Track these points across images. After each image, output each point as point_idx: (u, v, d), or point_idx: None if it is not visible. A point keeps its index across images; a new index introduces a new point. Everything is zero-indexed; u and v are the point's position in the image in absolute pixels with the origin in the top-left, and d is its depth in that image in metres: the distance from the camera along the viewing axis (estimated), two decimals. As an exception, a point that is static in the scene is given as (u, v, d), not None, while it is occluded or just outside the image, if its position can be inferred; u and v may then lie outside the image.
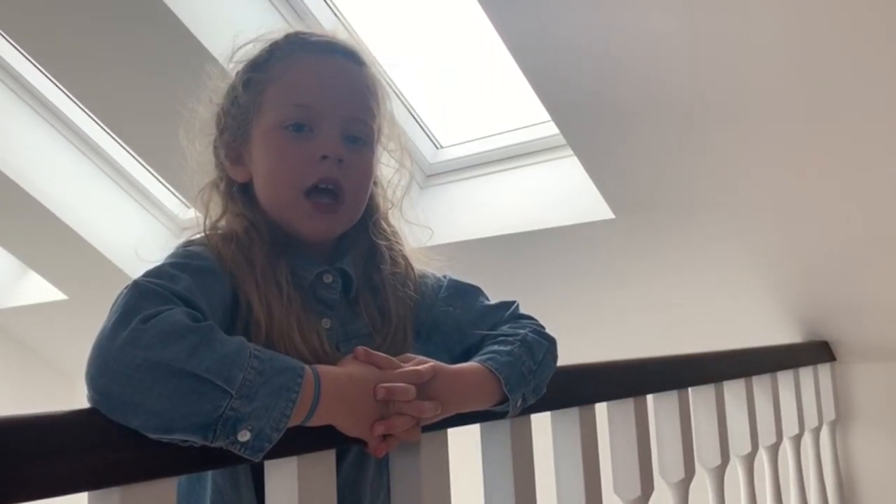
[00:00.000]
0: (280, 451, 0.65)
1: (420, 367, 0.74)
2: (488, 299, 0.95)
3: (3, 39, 2.13)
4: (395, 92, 2.03)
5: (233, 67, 0.90)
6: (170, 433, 0.60)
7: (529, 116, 2.07)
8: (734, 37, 1.34)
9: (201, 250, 0.80)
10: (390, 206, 0.95)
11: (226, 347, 0.63)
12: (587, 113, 1.61)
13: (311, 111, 0.84)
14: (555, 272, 2.05)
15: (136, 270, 0.73)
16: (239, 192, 0.88)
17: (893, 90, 1.34)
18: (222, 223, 0.87)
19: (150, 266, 0.73)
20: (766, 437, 1.62)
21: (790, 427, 1.73)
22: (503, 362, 0.81)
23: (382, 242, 0.91)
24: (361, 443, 0.71)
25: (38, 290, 2.98)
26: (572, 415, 1.01)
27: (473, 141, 2.23)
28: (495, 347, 0.84)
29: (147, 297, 0.65)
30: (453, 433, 0.81)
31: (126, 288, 0.66)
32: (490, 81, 2.22)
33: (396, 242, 0.93)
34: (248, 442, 0.62)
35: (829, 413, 1.90)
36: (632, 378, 1.17)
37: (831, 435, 1.91)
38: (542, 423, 0.97)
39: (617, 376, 1.14)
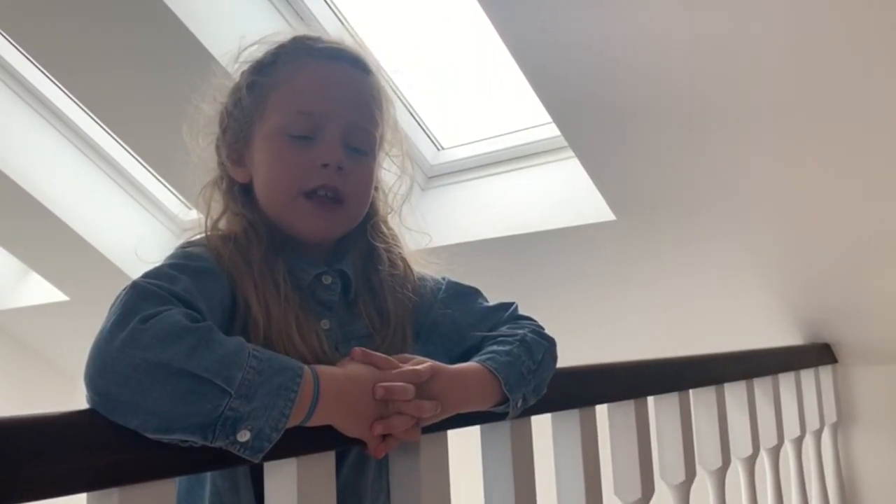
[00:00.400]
0: (279, 452, 0.65)
1: (419, 367, 0.74)
2: (487, 301, 0.95)
3: (5, 40, 2.13)
4: (396, 93, 2.02)
5: (238, 68, 0.90)
6: (169, 433, 0.60)
7: (530, 118, 2.07)
8: (734, 38, 1.34)
9: (200, 251, 0.80)
10: (390, 210, 0.95)
11: (225, 347, 0.63)
12: (588, 114, 1.61)
13: (313, 118, 0.84)
14: (556, 274, 2.05)
15: (136, 271, 0.73)
16: (240, 192, 0.88)
17: (894, 91, 1.34)
18: (223, 223, 0.87)
19: (150, 267, 0.73)
20: (768, 439, 1.62)
21: (791, 429, 1.72)
22: (502, 362, 0.81)
23: (381, 245, 0.91)
24: (361, 443, 0.71)
25: (39, 290, 2.99)
26: (573, 416, 1.01)
27: (474, 142, 2.23)
28: (494, 348, 0.84)
29: (146, 297, 0.65)
30: (453, 435, 0.81)
31: (125, 289, 0.66)
32: (491, 83, 2.22)
33: (395, 245, 0.93)
34: (247, 442, 0.62)
35: (831, 415, 1.90)
36: (632, 380, 1.16)
37: (833, 437, 1.91)
38: (542, 425, 0.97)
39: (618, 378, 1.14)
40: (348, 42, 0.91)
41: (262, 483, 0.71)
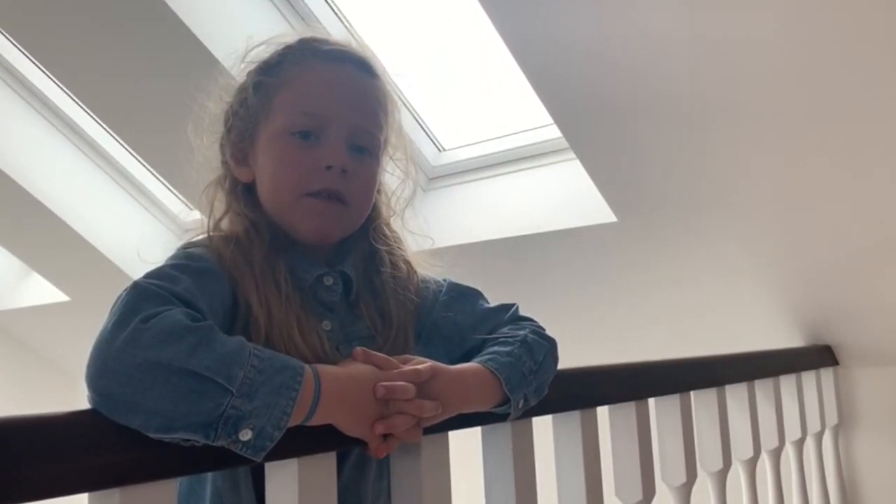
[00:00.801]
0: (281, 452, 0.65)
1: (419, 367, 0.74)
2: (488, 302, 0.95)
3: (6, 40, 2.14)
4: (399, 96, 2.03)
5: (244, 68, 0.91)
6: (171, 433, 0.60)
7: (532, 119, 2.07)
8: (735, 38, 1.34)
9: (202, 252, 0.80)
10: (392, 213, 0.96)
11: (226, 346, 0.63)
12: (589, 115, 1.62)
13: (318, 119, 0.84)
14: (557, 275, 2.05)
15: (137, 271, 0.73)
16: (242, 192, 0.88)
17: (895, 91, 1.34)
18: (225, 223, 0.87)
19: (151, 267, 0.74)
20: (769, 441, 1.62)
21: (793, 431, 1.72)
22: (503, 363, 0.81)
23: (383, 248, 0.91)
24: (362, 443, 0.71)
25: (40, 291, 2.99)
26: (574, 418, 1.01)
27: (476, 144, 2.23)
28: (496, 348, 0.84)
29: (147, 297, 0.65)
30: (454, 435, 0.81)
31: (126, 289, 0.66)
32: (492, 83, 2.22)
33: (398, 247, 0.93)
34: (249, 441, 0.62)
35: (832, 417, 1.89)
36: (634, 381, 1.16)
37: (834, 439, 1.90)
38: (543, 426, 0.97)
39: (619, 379, 1.14)
40: (355, 45, 0.91)
41: (262, 483, 0.72)
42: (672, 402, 1.25)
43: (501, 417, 0.84)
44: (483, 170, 2.20)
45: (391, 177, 0.96)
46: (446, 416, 0.75)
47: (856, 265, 1.69)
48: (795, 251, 1.73)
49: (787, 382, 1.73)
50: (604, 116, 1.60)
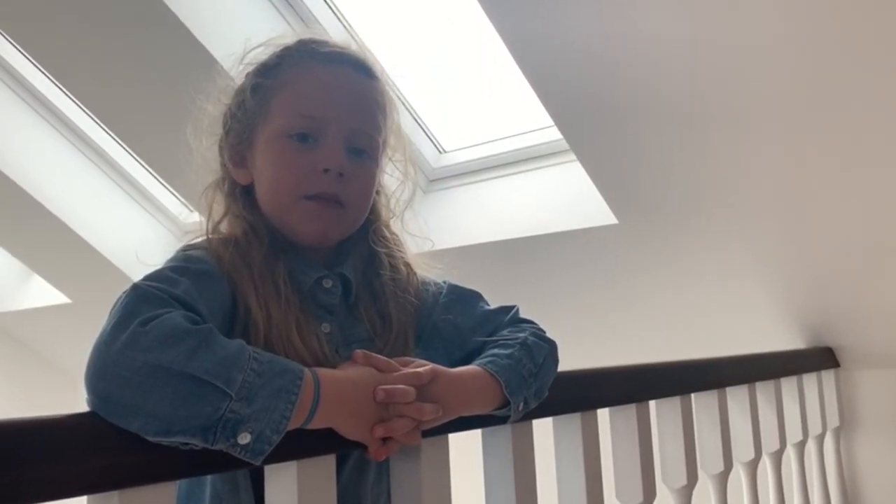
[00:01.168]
0: (280, 455, 0.65)
1: (420, 370, 0.74)
2: (488, 304, 0.95)
3: (8, 43, 2.14)
4: (399, 97, 2.03)
5: (242, 70, 0.91)
6: (170, 436, 0.59)
7: (533, 121, 2.07)
8: (736, 39, 1.34)
9: (201, 254, 0.80)
10: (392, 215, 0.95)
11: (225, 350, 0.63)
12: (590, 117, 1.61)
13: (316, 121, 0.84)
14: (558, 277, 2.05)
15: (138, 273, 0.73)
16: (241, 194, 0.88)
17: (897, 95, 1.34)
18: (224, 225, 0.87)
19: (151, 270, 0.74)
20: (770, 443, 1.61)
21: (794, 434, 1.72)
22: (503, 365, 0.81)
23: (383, 250, 0.91)
24: (361, 446, 0.71)
25: (41, 293, 2.99)
26: (574, 420, 1.00)
27: (477, 145, 2.23)
28: (495, 351, 0.84)
29: (146, 300, 0.65)
30: (454, 438, 0.81)
31: (125, 292, 0.66)
32: (493, 86, 2.22)
33: (398, 250, 0.93)
34: (248, 444, 0.62)
35: (833, 420, 1.89)
36: (634, 383, 1.16)
37: (835, 442, 1.90)
38: (543, 429, 0.97)
39: (619, 382, 1.13)
40: (353, 46, 0.91)
41: (262, 486, 0.71)
42: (673, 404, 1.25)
43: (501, 420, 0.84)
44: (483, 171, 2.20)
45: (390, 178, 0.96)
46: (446, 420, 0.75)
47: (857, 267, 1.69)
48: (796, 253, 1.72)
49: (788, 384, 1.73)
50: (604, 118, 1.60)
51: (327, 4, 2.01)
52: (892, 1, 1.19)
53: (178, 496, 0.83)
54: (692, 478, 1.25)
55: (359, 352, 0.74)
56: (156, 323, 0.62)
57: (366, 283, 0.90)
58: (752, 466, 1.52)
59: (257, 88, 0.87)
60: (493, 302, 0.95)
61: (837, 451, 1.90)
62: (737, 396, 1.48)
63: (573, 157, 1.82)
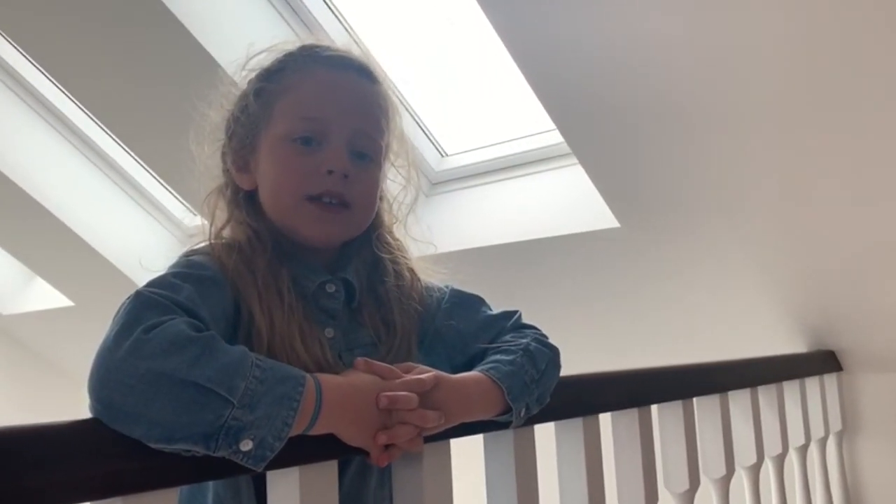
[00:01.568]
0: (282, 461, 0.65)
1: (422, 377, 0.74)
2: (491, 309, 0.95)
3: (11, 46, 2.15)
4: (401, 101, 2.03)
5: (245, 75, 0.91)
6: (172, 443, 0.60)
7: (534, 125, 2.07)
8: (737, 41, 1.34)
9: (204, 260, 0.80)
10: (395, 220, 0.95)
11: (228, 357, 0.63)
12: (591, 121, 1.62)
13: (319, 124, 0.84)
14: (559, 280, 2.05)
15: (141, 277, 0.73)
16: (244, 200, 0.88)
17: (899, 99, 1.33)
18: (227, 231, 0.87)
19: (154, 275, 0.74)
20: (772, 447, 1.61)
21: (796, 437, 1.72)
22: (505, 371, 0.81)
23: (387, 256, 0.91)
24: (363, 452, 0.71)
25: (44, 296, 3.00)
26: (576, 425, 1.00)
27: (479, 149, 2.23)
28: (498, 357, 0.84)
29: (149, 307, 0.65)
30: (456, 442, 0.81)
31: (128, 298, 0.67)
32: (495, 89, 2.22)
33: (402, 256, 0.93)
34: (250, 451, 0.62)
35: (836, 423, 1.89)
36: (636, 388, 1.16)
37: (838, 446, 1.90)
38: (545, 434, 0.97)
39: (621, 386, 1.13)
40: (356, 51, 0.91)
41: (264, 492, 0.72)
42: (675, 408, 1.25)
43: (503, 425, 0.84)
44: (486, 175, 2.20)
45: (393, 183, 0.96)
46: (448, 426, 0.75)
47: (860, 270, 1.68)
48: (799, 256, 1.72)
49: (790, 388, 1.73)
50: (606, 121, 1.60)
51: (328, 7, 2.01)
52: (893, 1, 1.19)
53: (180, 502, 0.83)
54: (694, 482, 1.25)
55: (360, 359, 0.74)
56: (159, 330, 0.63)
57: (370, 289, 0.90)
58: (755, 470, 1.51)
59: (261, 93, 0.87)
60: (495, 306, 0.95)
61: (840, 454, 1.89)
62: (739, 400, 1.48)
63: (575, 160, 1.82)
